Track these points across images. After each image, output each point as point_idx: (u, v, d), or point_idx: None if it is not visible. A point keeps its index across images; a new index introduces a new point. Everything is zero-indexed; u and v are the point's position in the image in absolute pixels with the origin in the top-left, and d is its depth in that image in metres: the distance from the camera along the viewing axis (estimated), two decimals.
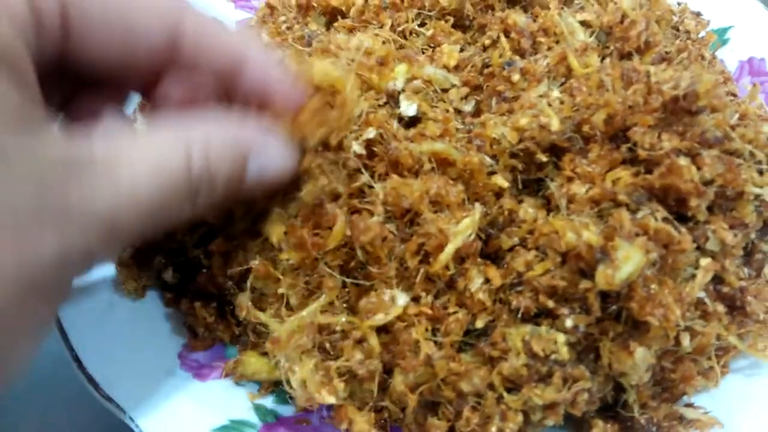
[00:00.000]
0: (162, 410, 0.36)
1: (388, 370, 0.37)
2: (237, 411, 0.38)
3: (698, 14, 0.57)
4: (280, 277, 0.38)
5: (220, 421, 0.37)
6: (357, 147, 0.40)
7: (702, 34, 0.56)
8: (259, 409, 0.39)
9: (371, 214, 0.38)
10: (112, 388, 0.36)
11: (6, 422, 0.48)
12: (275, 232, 0.39)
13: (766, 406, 0.39)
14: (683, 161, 0.38)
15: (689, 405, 0.39)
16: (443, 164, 0.41)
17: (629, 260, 0.34)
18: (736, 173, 0.40)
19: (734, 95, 0.53)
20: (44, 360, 0.50)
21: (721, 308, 0.39)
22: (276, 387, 0.40)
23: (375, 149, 0.41)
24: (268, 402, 0.39)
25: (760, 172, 0.41)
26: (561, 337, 0.35)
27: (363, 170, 0.40)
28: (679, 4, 0.58)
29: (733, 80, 0.55)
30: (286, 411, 0.39)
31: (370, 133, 0.41)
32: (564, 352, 0.35)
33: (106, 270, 0.42)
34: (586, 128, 0.42)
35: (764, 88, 0.55)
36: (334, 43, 0.46)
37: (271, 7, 0.58)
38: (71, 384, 0.47)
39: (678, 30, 0.56)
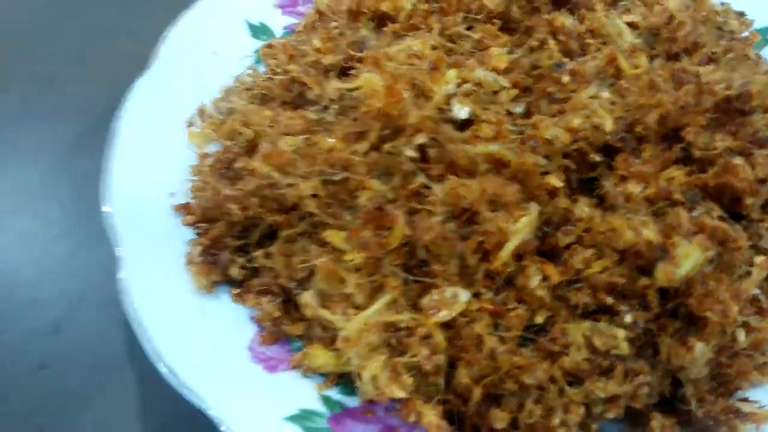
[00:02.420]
0: (238, 400, 0.38)
1: (451, 364, 0.38)
2: (306, 401, 0.40)
3: (742, 14, 0.57)
4: (346, 276, 0.40)
5: (292, 410, 0.39)
6: (410, 152, 0.42)
7: (745, 33, 0.56)
8: (326, 400, 0.40)
9: (431, 214, 0.40)
10: (192, 379, 0.38)
11: (70, 411, 0.50)
12: (337, 235, 0.41)
13: None
14: (738, 160, 0.39)
15: (744, 399, 0.40)
16: (498, 165, 0.42)
17: (689, 257, 0.35)
18: None
19: None
20: (105, 351, 0.52)
21: None
22: (340, 379, 0.42)
23: (429, 152, 0.43)
24: (334, 393, 0.41)
25: None
26: (621, 333, 0.36)
27: (419, 173, 0.42)
28: (722, 4, 0.58)
29: None
30: (352, 402, 0.41)
31: (421, 138, 0.42)
32: (624, 347, 0.36)
33: (177, 267, 0.44)
34: (638, 128, 0.43)
35: None
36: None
37: (321, 13, 0.59)
38: (134, 374, 0.50)
39: (722, 30, 0.56)
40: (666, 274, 0.35)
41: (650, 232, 0.36)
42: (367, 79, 0.44)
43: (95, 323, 0.53)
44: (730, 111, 0.42)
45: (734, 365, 0.38)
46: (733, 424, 0.38)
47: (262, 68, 0.60)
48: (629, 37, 0.51)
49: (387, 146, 0.43)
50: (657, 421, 0.38)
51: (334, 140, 0.44)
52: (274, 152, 0.45)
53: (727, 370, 0.38)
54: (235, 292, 0.45)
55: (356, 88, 0.46)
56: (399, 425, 0.39)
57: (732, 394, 0.39)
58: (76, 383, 0.51)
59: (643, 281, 0.36)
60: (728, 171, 0.39)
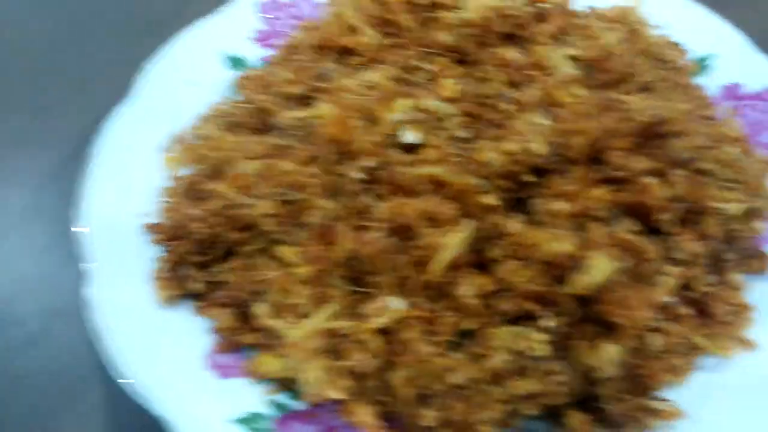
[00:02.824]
0: (191, 404, 0.41)
1: (387, 368, 0.42)
2: (255, 404, 0.43)
3: (677, 45, 0.61)
4: (295, 288, 0.43)
5: (240, 413, 0.42)
6: (355, 173, 0.46)
7: (682, 63, 0.60)
8: (274, 404, 0.44)
9: (373, 230, 0.44)
10: (148, 385, 0.41)
11: (41, 423, 0.53)
12: (288, 250, 0.45)
13: (728, 400, 0.43)
14: (651, 180, 0.43)
15: (657, 398, 0.42)
16: (439, 186, 0.46)
17: (599, 267, 0.39)
18: (702, 190, 0.44)
19: (712, 119, 0.57)
20: (78, 363, 0.55)
21: (688, 311, 0.43)
22: (289, 384, 0.45)
23: (378, 173, 0.47)
24: (282, 397, 0.44)
25: (725, 189, 0.45)
26: (540, 336, 0.40)
27: (364, 193, 0.46)
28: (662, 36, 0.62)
29: (712, 105, 0.60)
30: (298, 405, 0.44)
31: (367, 161, 0.46)
32: (542, 350, 0.39)
33: (143, 282, 0.47)
34: (568, 152, 0.47)
35: (744, 112, 0.59)
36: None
37: (291, 47, 0.64)
38: (106, 386, 0.53)
39: (660, 60, 0.60)
40: (579, 282, 0.39)
41: (566, 245, 0.40)
42: (322, 108, 0.48)
43: (70, 337, 0.56)
44: (650, 135, 0.45)
45: (647, 367, 0.41)
46: (645, 421, 0.41)
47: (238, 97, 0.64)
48: (568, 69, 0.54)
49: (337, 169, 0.47)
50: (575, 418, 0.41)
51: (290, 163, 0.48)
52: (236, 175, 0.49)
53: (640, 371, 0.41)
54: (198, 304, 0.48)
55: (313, 116, 0.51)
56: (340, 426, 0.42)
57: (645, 393, 0.42)
58: (50, 394, 0.53)
59: (561, 289, 0.40)
60: (642, 190, 0.43)
